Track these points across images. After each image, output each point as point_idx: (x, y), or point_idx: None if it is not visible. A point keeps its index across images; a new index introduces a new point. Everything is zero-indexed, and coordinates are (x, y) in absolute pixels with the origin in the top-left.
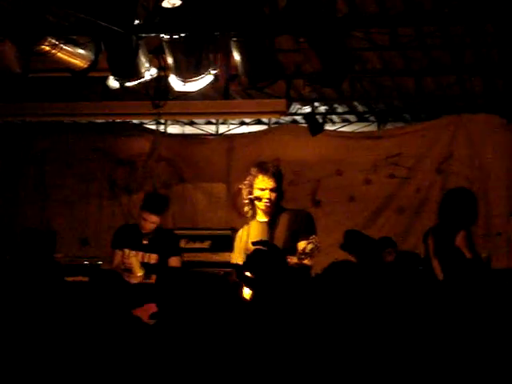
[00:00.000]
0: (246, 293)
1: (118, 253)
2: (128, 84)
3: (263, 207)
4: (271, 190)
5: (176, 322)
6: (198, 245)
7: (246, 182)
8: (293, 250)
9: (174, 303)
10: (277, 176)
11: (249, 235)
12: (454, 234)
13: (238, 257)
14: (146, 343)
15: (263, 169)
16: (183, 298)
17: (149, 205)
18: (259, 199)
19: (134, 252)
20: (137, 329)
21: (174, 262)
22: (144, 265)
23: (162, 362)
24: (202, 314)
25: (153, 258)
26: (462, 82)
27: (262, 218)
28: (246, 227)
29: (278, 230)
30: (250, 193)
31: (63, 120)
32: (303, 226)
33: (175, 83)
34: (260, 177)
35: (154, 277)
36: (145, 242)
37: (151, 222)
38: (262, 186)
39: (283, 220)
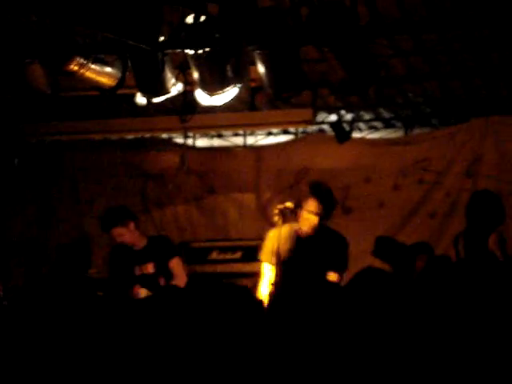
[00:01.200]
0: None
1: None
2: (155, 100)
3: (304, 227)
4: (317, 214)
5: (201, 335)
6: (229, 256)
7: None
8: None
9: (200, 315)
10: (326, 202)
11: (281, 242)
12: (485, 237)
13: (265, 256)
14: (170, 357)
15: (316, 192)
16: (209, 310)
17: (105, 222)
18: (303, 218)
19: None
20: (160, 344)
21: (175, 262)
22: (143, 277)
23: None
24: (226, 327)
25: (149, 268)
26: (488, 84)
27: (300, 232)
28: (276, 230)
29: (313, 249)
30: (285, 204)
31: (94, 137)
32: (335, 256)
33: (201, 97)
34: (310, 200)
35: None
36: (137, 254)
37: (118, 235)
38: (311, 209)
39: (319, 241)
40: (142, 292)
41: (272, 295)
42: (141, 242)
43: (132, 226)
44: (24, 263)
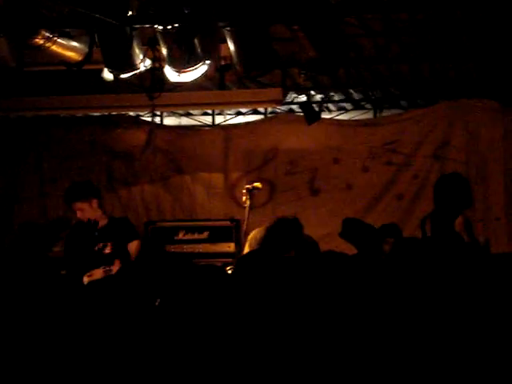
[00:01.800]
0: None
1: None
2: (123, 76)
3: None
4: None
5: (173, 313)
6: (196, 236)
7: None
8: None
9: (172, 295)
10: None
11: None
12: (451, 219)
13: None
14: (143, 335)
15: None
16: (181, 289)
17: (68, 195)
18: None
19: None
20: (133, 321)
21: (134, 245)
22: (99, 256)
23: (158, 355)
24: (198, 306)
25: (107, 248)
26: (457, 67)
27: None
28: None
29: None
30: (253, 184)
31: (59, 114)
32: None
33: (170, 74)
34: None
35: (115, 267)
36: (96, 233)
37: (79, 209)
38: None
39: None
40: (97, 273)
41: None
42: (102, 221)
43: (95, 203)
44: None
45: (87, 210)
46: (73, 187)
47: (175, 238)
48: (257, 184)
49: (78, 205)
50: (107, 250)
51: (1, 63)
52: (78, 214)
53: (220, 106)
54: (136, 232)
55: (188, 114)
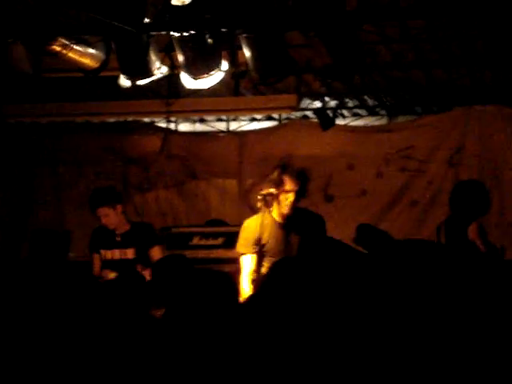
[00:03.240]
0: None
1: (96, 256)
2: (139, 83)
3: (285, 209)
4: (295, 193)
5: (179, 319)
6: (211, 241)
7: (268, 180)
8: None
9: (179, 301)
10: (302, 179)
11: (263, 231)
12: (467, 227)
13: (247, 248)
14: (149, 341)
15: (288, 171)
16: (187, 295)
17: (93, 201)
18: (282, 200)
19: (109, 253)
20: (141, 327)
21: (156, 251)
22: (122, 262)
23: (163, 358)
24: (205, 311)
25: (129, 253)
26: (472, 73)
27: (277, 217)
28: (256, 219)
29: (293, 233)
30: (268, 190)
31: (75, 120)
32: (315, 230)
33: (186, 81)
34: (285, 180)
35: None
36: (118, 239)
37: (105, 215)
38: (288, 189)
39: (296, 223)
40: (111, 274)
41: (259, 284)
42: (124, 227)
43: (119, 208)
44: (2, 246)
45: (112, 216)
46: (97, 193)
47: (190, 243)
48: (272, 190)
49: (104, 210)
50: (129, 256)
51: (18, 69)
52: (103, 220)
53: (235, 112)
54: (158, 237)
55: (202, 120)
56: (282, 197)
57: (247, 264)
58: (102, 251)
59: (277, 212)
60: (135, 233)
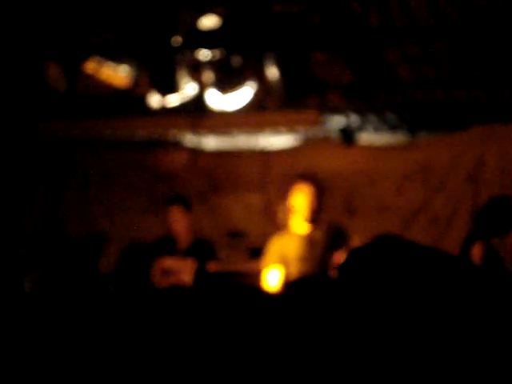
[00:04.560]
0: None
1: (157, 262)
2: (169, 101)
3: (305, 213)
4: (311, 200)
5: (203, 332)
6: (236, 254)
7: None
8: (328, 263)
9: (207, 315)
10: (318, 187)
11: (285, 245)
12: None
13: (271, 261)
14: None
15: (305, 179)
16: (216, 309)
17: (174, 197)
18: (298, 209)
19: (170, 261)
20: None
21: (213, 265)
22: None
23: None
24: (230, 326)
25: (189, 264)
26: (492, 93)
27: (298, 230)
28: (279, 236)
29: (315, 246)
30: (289, 203)
31: (105, 136)
32: (337, 239)
33: (213, 101)
34: (301, 185)
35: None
36: (181, 248)
37: (176, 215)
38: (301, 190)
39: (318, 235)
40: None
41: (288, 292)
42: (187, 238)
43: (191, 217)
44: (34, 258)
45: (180, 221)
46: (177, 195)
47: (216, 256)
48: (290, 201)
49: (178, 209)
50: (189, 266)
51: (53, 88)
52: (171, 219)
53: (259, 127)
54: (214, 254)
55: (228, 135)
56: (298, 201)
57: (273, 278)
58: (163, 259)
59: (299, 223)
60: (196, 248)
